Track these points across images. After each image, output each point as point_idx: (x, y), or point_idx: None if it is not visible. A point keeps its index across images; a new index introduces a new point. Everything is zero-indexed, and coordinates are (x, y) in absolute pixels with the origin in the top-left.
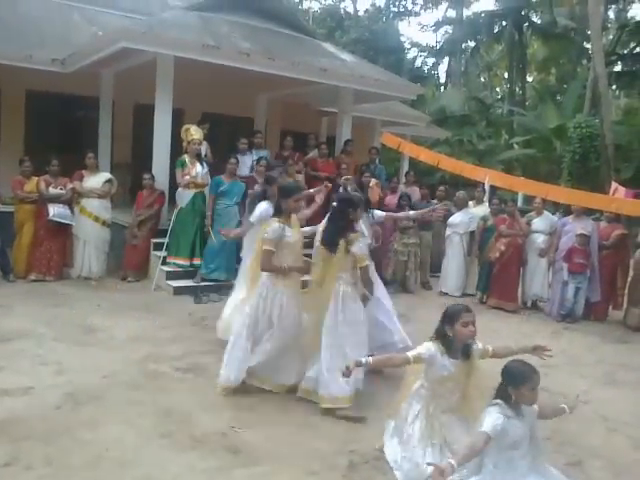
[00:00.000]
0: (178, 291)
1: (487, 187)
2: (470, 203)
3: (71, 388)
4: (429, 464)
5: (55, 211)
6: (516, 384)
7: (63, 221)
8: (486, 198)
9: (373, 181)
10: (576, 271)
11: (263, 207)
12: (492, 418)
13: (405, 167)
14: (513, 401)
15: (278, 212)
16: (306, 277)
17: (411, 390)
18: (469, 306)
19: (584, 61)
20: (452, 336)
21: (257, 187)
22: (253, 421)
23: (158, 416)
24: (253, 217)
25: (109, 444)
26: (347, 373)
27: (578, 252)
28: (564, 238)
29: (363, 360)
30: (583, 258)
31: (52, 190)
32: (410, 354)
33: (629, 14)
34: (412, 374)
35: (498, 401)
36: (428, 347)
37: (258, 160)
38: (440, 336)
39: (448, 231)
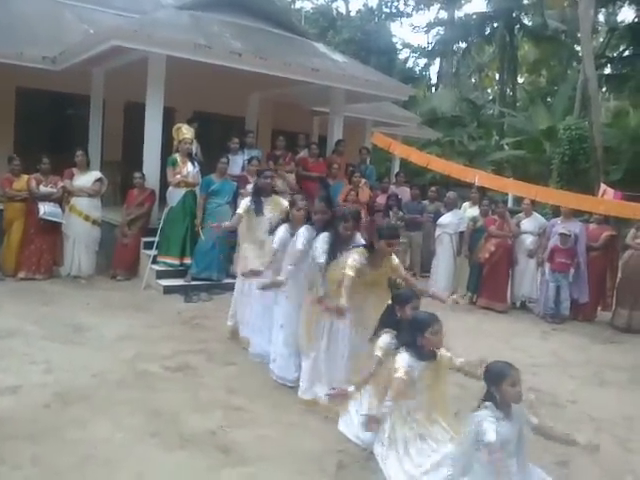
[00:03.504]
0: (168, 290)
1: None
2: (465, 204)
3: (60, 387)
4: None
5: (46, 209)
6: (497, 382)
7: (54, 219)
8: None
9: (362, 181)
10: (555, 270)
11: (282, 232)
12: (490, 427)
13: (396, 167)
14: (500, 402)
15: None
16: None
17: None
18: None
19: (574, 63)
20: (421, 345)
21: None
22: (242, 421)
23: (147, 415)
24: (275, 243)
25: (98, 443)
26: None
27: (559, 251)
28: (553, 239)
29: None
30: (564, 257)
31: (43, 188)
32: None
33: (619, 18)
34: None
35: (487, 404)
36: (403, 357)
37: (250, 160)
38: (409, 344)
39: (438, 231)
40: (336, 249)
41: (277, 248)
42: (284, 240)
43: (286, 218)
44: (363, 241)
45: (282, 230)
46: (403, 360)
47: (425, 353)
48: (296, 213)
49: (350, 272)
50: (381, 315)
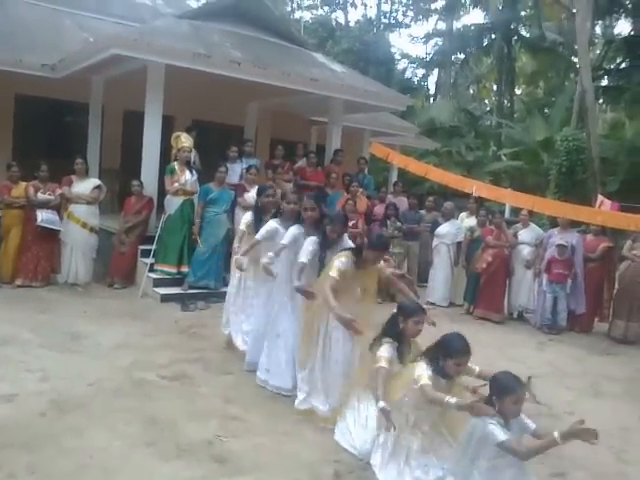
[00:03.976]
0: (165, 298)
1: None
2: (463, 214)
3: (56, 395)
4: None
5: (43, 216)
6: (500, 395)
7: (51, 227)
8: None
9: (360, 191)
10: (553, 280)
11: (269, 225)
12: (496, 428)
13: (394, 177)
14: (498, 412)
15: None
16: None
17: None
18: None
19: (572, 75)
20: (443, 366)
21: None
22: (239, 430)
23: (143, 424)
24: (259, 234)
25: (94, 452)
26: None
27: (557, 262)
28: (550, 250)
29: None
30: (562, 268)
31: (41, 196)
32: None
33: (615, 30)
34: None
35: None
36: (425, 368)
37: (248, 168)
38: (432, 359)
39: (435, 241)
40: (324, 251)
41: (259, 239)
42: (270, 233)
43: (277, 212)
44: (351, 243)
45: (270, 223)
46: (424, 369)
47: (445, 373)
48: (287, 206)
49: (333, 274)
50: (384, 323)
